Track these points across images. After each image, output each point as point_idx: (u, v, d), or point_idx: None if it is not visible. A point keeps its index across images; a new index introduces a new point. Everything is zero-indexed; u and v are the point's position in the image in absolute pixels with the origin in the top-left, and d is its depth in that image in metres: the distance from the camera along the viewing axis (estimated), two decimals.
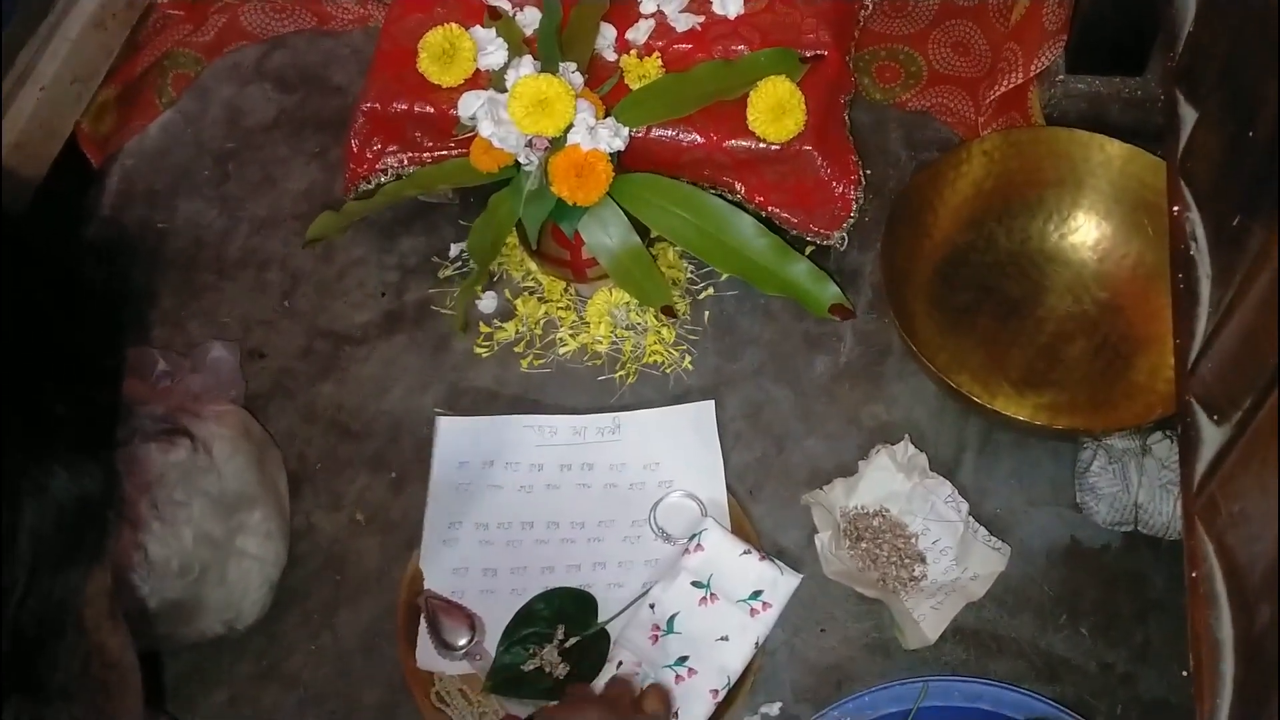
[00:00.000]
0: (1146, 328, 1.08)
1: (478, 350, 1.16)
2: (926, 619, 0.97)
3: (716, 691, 0.94)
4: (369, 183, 1.17)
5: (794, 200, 1.11)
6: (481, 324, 1.17)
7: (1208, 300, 0.77)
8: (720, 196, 1.07)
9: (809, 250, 1.14)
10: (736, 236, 1.04)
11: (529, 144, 1.00)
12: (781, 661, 0.98)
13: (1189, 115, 0.86)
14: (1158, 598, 0.99)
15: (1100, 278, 1.12)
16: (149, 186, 1.30)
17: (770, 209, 1.12)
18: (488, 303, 1.19)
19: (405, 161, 1.15)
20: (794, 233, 1.14)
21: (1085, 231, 1.13)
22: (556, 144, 1.00)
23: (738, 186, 1.11)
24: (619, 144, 1.01)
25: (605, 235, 1.06)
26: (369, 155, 1.16)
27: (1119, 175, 1.11)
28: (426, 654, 0.98)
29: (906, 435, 1.04)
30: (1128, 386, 1.06)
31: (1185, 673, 0.95)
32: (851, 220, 1.13)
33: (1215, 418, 0.72)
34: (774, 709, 0.97)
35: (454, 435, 1.09)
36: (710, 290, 1.17)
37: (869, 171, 1.19)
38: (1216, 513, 0.69)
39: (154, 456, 0.97)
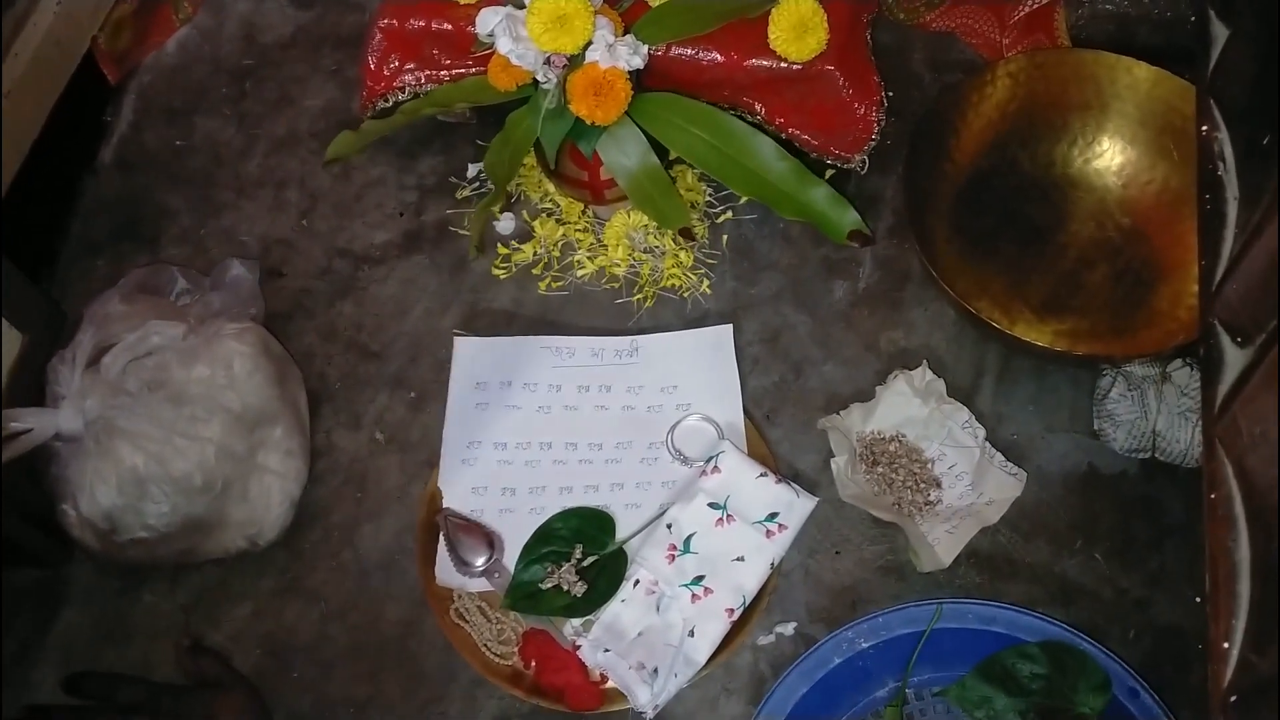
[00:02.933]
0: (1170, 254, 1.07)
1: (496, 272, 1.16)
2: (941, 543, 0.97)
3: (732, 610, 0.95)
4: (386, 101, 1.16)
5: (815, 122, 1.09)
6: (499, 245, 1.17)
7: (1234, 222, 0.76)
8: (740, 118, 1.06)
9: (829, 174, 1.13)
10: (756, 159, 1.03)
11: (547, 61, 0.99)
12: (796, 582, 0.99)
13: (1220, 33, 0.84)
14: (1173, 524, 0.99)
15: (1124, 203, 1.10)
16: (167, 104, 1.30)
17: (790, 130, 1.11)
18: (506, 224, 1.18)
19: (423, 79, 1.14)
20: (814, 155, 1.13)
21: (1110, 156, 1.11)
22: (575, 62, 0.99)
23: (758, 107, 1.10)
24: (638, 62, 1.00)
25: (623, 155, 1.05)
26: (386, 73, 1.15)
27: (1145, 99, 1.09)
28: (446, 571, 1.00)
29: (925, 360, 1.04)
30: (1149, 313, 1.05)
31: (1198, 599, 0.96)
32: (873, 143, 1.12)
33: (1239, 340, 0.72)
34: (789, 629, 0.98)
35: (472, 355, 1.09)
36: (729, 214, 1.16)
37: (891, 93, 1.18)
38: (1238, 435, 0.69)
39: (173, 373, 0.97)
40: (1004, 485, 0.99)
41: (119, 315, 0.99)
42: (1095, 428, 1.00)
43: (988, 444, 1.00)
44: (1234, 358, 0.72)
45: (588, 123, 0.99)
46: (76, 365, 0.97)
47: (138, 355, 0.98)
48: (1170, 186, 1.08)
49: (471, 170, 1.22)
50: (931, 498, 1.00)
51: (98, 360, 0.98)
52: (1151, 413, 0.96)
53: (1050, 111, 1.12)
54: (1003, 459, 1.00)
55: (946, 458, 1.01)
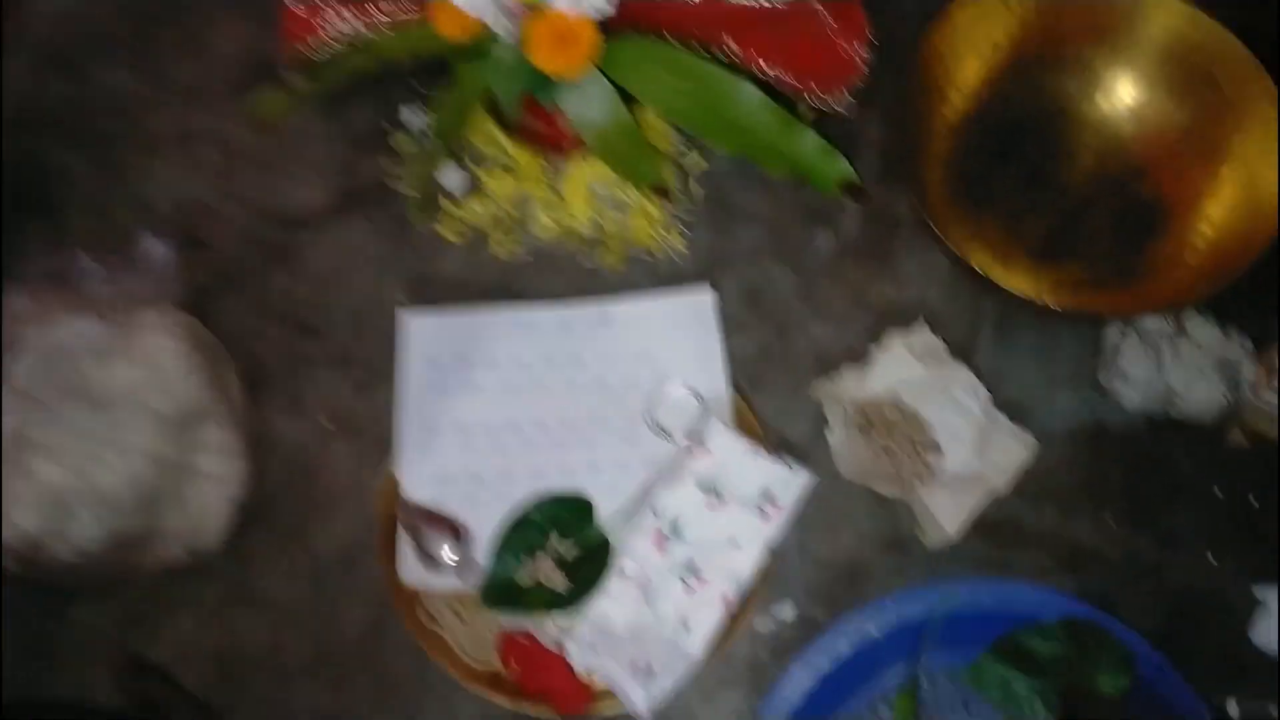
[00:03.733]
0: (1176, 198, 1.01)
1: (444, 233, 1.05)
2: (946, 513, 0.91)
3: (728, 599, 0.88)
4: (311, 46, 1.04)
5: (796, 61, 1.00)
6: (447, 203, 1.06)
7: None
8: (716, 60, 0.96)
9: (800, 108, 1.04)
10: (738, 109, 0.93)
11: (503, 7, 0.88)
12: (792, 562, 0.93)
13: None
14: (1184, 482, 0.94)
15: (1130, 143, 1.03)
16: (60, 53, 1.15)
17: (771, 72, 1.01)
18: (451, 179, 1.07)
19: (352, 23, 1.02)
20: (793, 97, 1.03)
21: (1122, 94, 1.03)
22: (535, 8, 0.88)
23: (735, 48, 1.00)
24: (608, 9, 0.89)
25: (590, 110, 0.95)
26: (305, 13, 1.03)
27: (1173, 37, 1.01)
28: (411, 569, 0.91)
29: (924, 319, 0.97)
30: (1153, 260, 0.99)
31: (1212, 559, 0.91)
32: (858, 82, 1.03)
33: None
34: (788, 612, 0.91)
35: (424, 332, 0.99)
36: (699, 159, 1.07)
37: (877, 27, 1.08)
38: None
39: (91, 375, 0.86)
40: (1011, 450, 0.93)
41: (24, 313, 0.88)
42: (1103, 383, 0.95)
43: (992, 406, 0.94)
44: None
45: (550, 77, 0.89)
46: None
47: (48, 357, 0.86)
48: (1184, 130, 1.01)
49: (407, 115, 1.10)
50: (932, 464, 0.93)
51: (1, 366, 0.86)
52: (1167, 370, 0.90)
53: (1050, 44, 1.03)
54: (1009, 422, 0.94)
55: (947, 421, 0.94)
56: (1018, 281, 0.96)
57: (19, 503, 0.83)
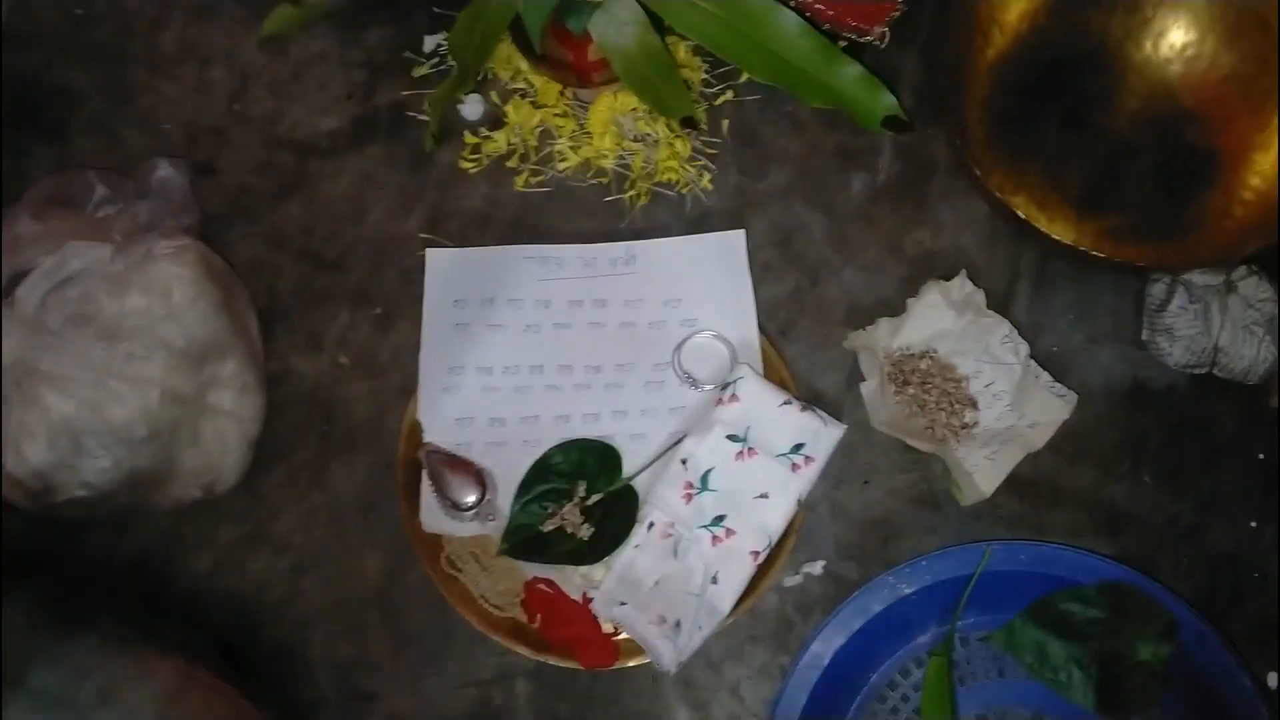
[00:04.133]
0: (1225, 144, 0.97)
1: (464, 165, 1.01)
2: (980, 470, 0.89)
3: (757, 553, 0.86)
4: None
5: None
6: (466, 134, 1.02)
7: None
8: None
9: (841, 48, 1.00)
10: (776, 37, 0.89)
11: None
12: (823, 517, 0.91)
13: None
14: (1226, 444, 0.91)
15: (1179, 84, 0.98)
16: None
17: (803, 0, 0.96)
18: (472, 108, 1.03)
19: None
20: (826, 27, 0.99)
21: (1174, 33, 0.99)
22: None
23: None
24: None
25: (618, 34, 0.90)
26: None
27: None
28: (432, 514, 0.89)
29: (964, 270, 0.93)
30: (1199, 210, 0.95)
31: (1254, 524, 0.90)
32: (896, 13, 0.99)
33: None
34: (817, 568, 0.90)
35: (446, 270, 0.95)
36: (730, 94, 1.02)
37: None
38: None
39: (102, 304, 0.83)
40: (1049, 407, 0.90)
41: (31, 237, 0.84)
42: (1145, 339, 0.92)
43: (1032, 361, 0.91)
44: None
45: None
46: None
47: (57, 284, 0.83)
48: (1234, 76, 0.97)
49: (429, 43, 1.05)
50: (967, 420, 0.91)
51: (10, 292, 0.83)
52: (1214, 327, 0.88)
53: None
54: (1049, 378, 0.91)
55: (983, 375, 0.91)
56: (1060, 230, 0.92)
57: (29, 436, 0.81)
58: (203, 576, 0.90)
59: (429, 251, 0.96)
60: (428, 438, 0.91)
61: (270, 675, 0.88)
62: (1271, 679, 0.84)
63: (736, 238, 0.96)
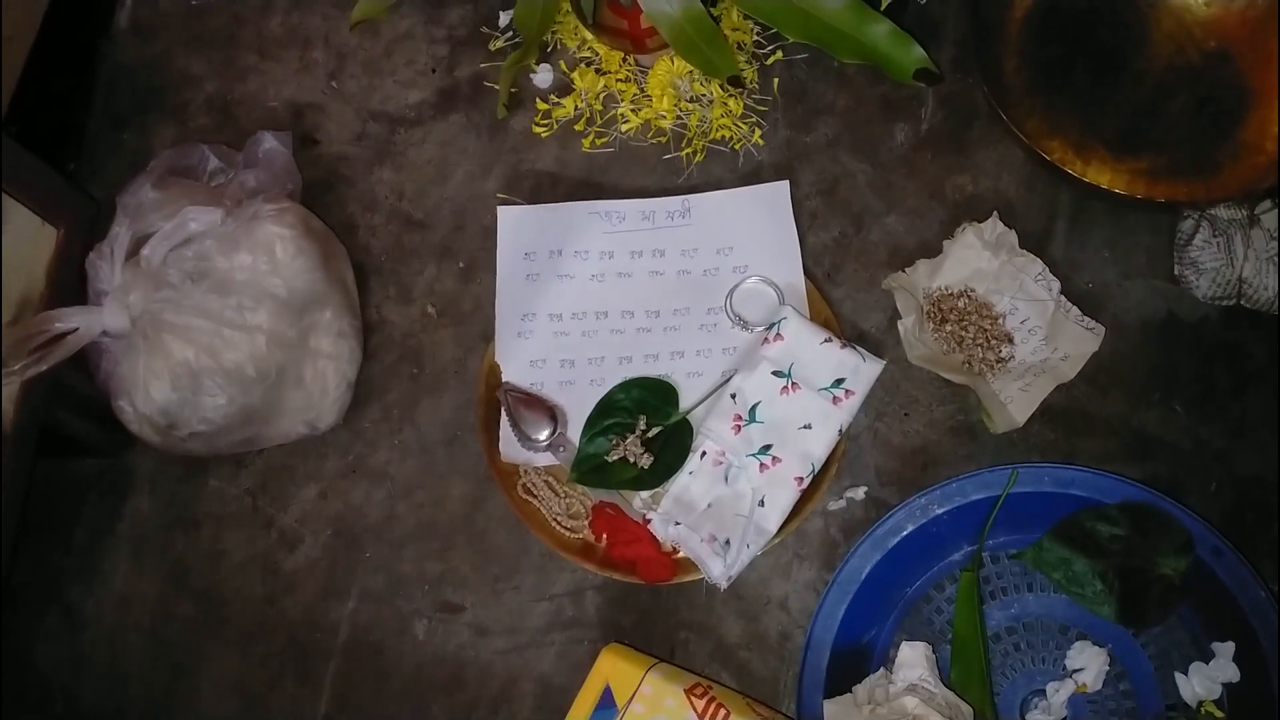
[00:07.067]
0: (1257, 78, 1.00)
1: (536, 129, 1.10)
2: (1014, 401, 0.94)
3: (801, 479, 0.94)
4: None
5: None
6: (538, 100, 1.11)
7: None
8: None
9: (884, 4, 1.05)
10: None
11: None
12: (865, 446, 0.97)
13: None
14: (1257, 371, 0.95)
15: (1207, 24, 1.02)
16: None
17: None
18: (543, 77, 1.12)
19: None
20: None
21: None
22: None
23: None
24: None
25: (664, 2, 0.97)
26: None
27: None
28: (510, 447, 0.99)
29: (995, 212, 0.99)
30: (1234, 146, 0.98)
31: None
32: None
33: None
34: (859, 493, 0.97)
35: (517, 225, 1.05)
36: (779, 54, 1.09)
37: None
38: None
39: (216, 261, 0.94)
40: (1080, 339, 0.95)
41: (153, 203, 0.96)
42: (1176, 274, 0.96)
43: (1063, 296, 0.96)
44: None
45: None
46: (115, 260, 0.94)
47: (176, 244, 0.95)
48: (1272, 10, 0.99)
49: (504, 18, 1.15)
50: (1003, 354, 0.96)
51: (136, 252, 0.95)
52: (1238, 259, 0.91)
53: None
54: (1079, 312, 0.96)
55: (1018, 312, 0.97)
56: (1095, 173, 0.97)
57: (156, 378, 0.93)
58: (310, 503, 1.02)
59: (500, 209, 1.05)
60: (505, 378, 1.01)
61: (369, 588, 0.99)
62: None
63: (781, 188, 1.03)
